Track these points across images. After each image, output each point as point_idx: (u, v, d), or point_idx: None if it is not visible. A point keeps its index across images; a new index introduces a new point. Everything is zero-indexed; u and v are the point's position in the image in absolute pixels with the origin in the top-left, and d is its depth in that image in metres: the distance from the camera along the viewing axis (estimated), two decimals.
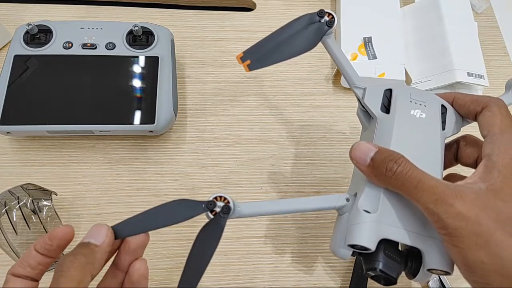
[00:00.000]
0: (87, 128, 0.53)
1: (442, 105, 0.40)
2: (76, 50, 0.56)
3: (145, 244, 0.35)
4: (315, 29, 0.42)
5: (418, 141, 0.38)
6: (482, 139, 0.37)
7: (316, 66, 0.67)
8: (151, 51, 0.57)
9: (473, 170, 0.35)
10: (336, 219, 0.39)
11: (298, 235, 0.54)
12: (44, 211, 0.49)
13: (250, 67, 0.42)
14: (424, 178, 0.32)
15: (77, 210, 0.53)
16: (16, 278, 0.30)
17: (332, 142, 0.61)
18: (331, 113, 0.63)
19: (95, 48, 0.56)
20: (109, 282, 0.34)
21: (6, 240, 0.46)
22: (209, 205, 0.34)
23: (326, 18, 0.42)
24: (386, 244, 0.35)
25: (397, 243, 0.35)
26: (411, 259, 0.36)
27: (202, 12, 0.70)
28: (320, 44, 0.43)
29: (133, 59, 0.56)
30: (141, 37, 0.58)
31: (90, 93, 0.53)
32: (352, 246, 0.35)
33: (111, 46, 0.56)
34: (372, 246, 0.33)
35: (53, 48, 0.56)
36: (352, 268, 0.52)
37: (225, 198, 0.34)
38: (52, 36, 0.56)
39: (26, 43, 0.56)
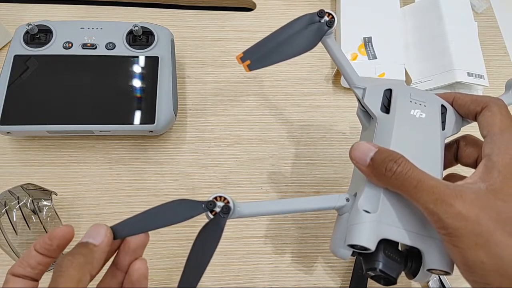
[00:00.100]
0: (87, 128, 0.53)
1: (442, 105, 0.40)
2: (76, 50, 0.56)
3: (145, 244, 0.35)
4: (315, 29, 0.42)
5: (418, 141, 0.38)
6: (482, 139, 0.37)
7: (316, 66, 0.67)
8: (151, 51, 0.57)
9: (473, 170, 0.35)
10: (336, 219, 0.39)
11: (298, 235, 0.54)
12: (44, 211, 0.49)
13: (250, 67, 0.42)
14: (424, 178, 0.32)
15: (77, 210, 0.53)
16: (16, 278, 0.30)
17: (332, 142, 0.61)
18: (331, 113, 0.63)
19: (95, 48, 0.56)
20: (109, 282, 0.34)
21: (6, 240, 0.46)
22: (209, 205, 0.34)
23: (326, 18, 0.42)
24: (386, 244, 0.35)
25: (397, 243, 0.35)
26: (411, 259, 0.36)
27: (202, 12, 0.70)
28: (320, 44, 0.44)
29: (133, 59, 0.56)
30: (141, 37, 0.58)
31: (90, 93, 0.53)
32: (352, 246, 0.35)
33: (111, 46, 0.56)
34: (372, 246, 0.33)
35: (53, 48, 0.56)
36: (352, 268, 0.52)
37: (225, 198, 0.34)
38: (52, 36, 0.56)
39: (26, 43, 0.56)
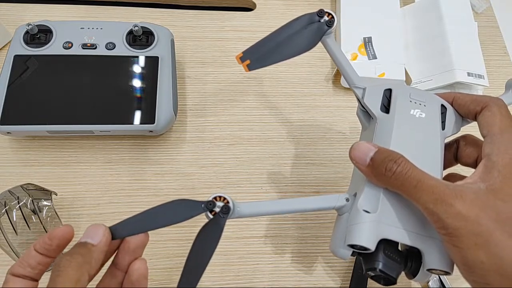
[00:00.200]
0: (87, 128, 0.53)
1: (442, 105, 0.40)
2: (76, 50, 0.56)
3: (144, 244, 0.35)
4: (315, 29, 0.42)
5: (418, 141, 0.38)
6: (482, 139, 0.37)
7: (316, 66, 0.67)
8: (151, 51, 0.57)
9: (473, 170, 0.35)
10: (336, 219, 0.39)
11: (298, 235, 0.54)
12: (44, 211, 0.49)
13: (250, 67, 0.42)
14: (423, 178, 0.32)
15: (77, 210, 0.53)
16: (16, 278, 0.30)
17: (332, 142, 0.61)
18: (331, 113, 0.63)
19: (95, 48, 0.56)
20: (108, 282, 0.34)
21: (6, 240, 0.46)
22: (209, 205, 0.34)
23: (326, 18, 0.42)
24: (385, 244, 0.35)
25: (397, 243, 0.35)
26: (410, 259, 0.36)
27: (202, 12, 0.70)
28: (320, 44, 0.44)
29: (133, 59, 0.56)
30: (141, 37, 0.58)
31: (90, 93, 0.53)
32: (352, 246, 0.35)
33: (111, 46, 0.56)
34: (371, 246, 0.33)
35: (53, 48, 0.56)
36: (352, 268, 0.52)
37: (224, 198, 0.34)
38: (52, 36, 0.56)
39: (26, 43, 0.56)
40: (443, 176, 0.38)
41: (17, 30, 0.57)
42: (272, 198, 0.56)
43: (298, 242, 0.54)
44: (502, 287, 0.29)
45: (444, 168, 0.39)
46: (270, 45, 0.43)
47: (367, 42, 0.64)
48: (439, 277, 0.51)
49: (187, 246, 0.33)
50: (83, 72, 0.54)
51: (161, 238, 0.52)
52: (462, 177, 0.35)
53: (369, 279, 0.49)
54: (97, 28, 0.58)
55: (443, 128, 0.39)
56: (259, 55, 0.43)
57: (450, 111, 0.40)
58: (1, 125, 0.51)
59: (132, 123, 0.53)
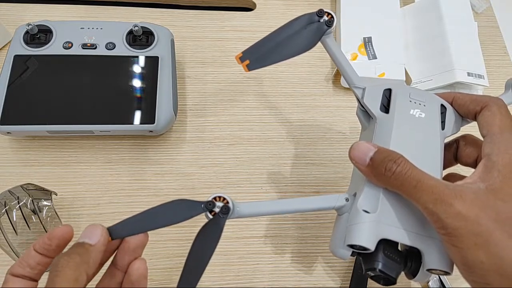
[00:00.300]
0: (87, 128, 0.53)
1: (442, 105, 0.40)
2: (76, 50, 0.56)
3: (144, 244, 0.35)
4: (314, 29, 0.42)
5: (418, 141, 0.38)
6: (481, 138, 0.37)
7: (316, 66, 0.67)
8: (151, 51, 0.57)
9: (472, 170, 0.35)
10: (336, 219, 0.39)
11: (298, 235, 0.54)
12: (44, 211, 0.49)
13: (249, 67, 0.42)
14: (423, 178, 0.32)
15: (77, 210, 0.53)
16: (16, 278, 0.30)
17: (332, 142, 0.61)
18: (331, 113, 0.63)
19: (95, 48, 0.56)
20: (108, 282, 0.34)
21: (6, 240, 0.46)
22: (208, 206, 0.34)
23: (325, 17, 0.42)
24: (385, 244, 0.35)
25: (397, 243, 0.35)
26: (410, 259, 0.36)
27: (202, 12, 0.70)
28: (319, 43, 0.44)
29: (133, 59, 0.56)
30: (141, 37, 0.58)
31: (90, 93, 0.53)
32: (352, 246, 0.35)
33: (111, 46, 0.56)
34: (371, 246, 0.33)
35: (53, 48, 0.56)
36: (352, 268, 0.52)
37: (224, 199, 0.34)
38: (52, 36, 0.56)
39: (26, 43, 0.56)
40: (443, 176, 0.38)
41: (17, 30, 0.57)
42: (272, 198, 0.56)
43: (298, 242, 0.54)
44: (502, 287, 0.29)
45: (444, 168, 0.39)
46: (270, 45, 0.43)
47: (367, 42, 0.64)
48: (439, 277, 0.51)
49: (187, 246, 0.33)
50: (83, 72, 0.54)
51: (161, 238, 0.52)
52: (462, 177, 0.35)
53: (369, 279, 0.49)
54: (97, 28, 0.58)
55: (443, 128, 0.39)
56: (258, 55, 0.43)
57: (449, 111, 0.40)
58: (1, 125, 0.51)
59: (132, 123, 0.53)
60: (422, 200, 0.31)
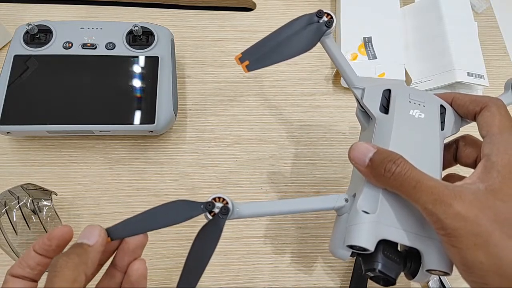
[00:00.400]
0: (87, 128, 0.53)
1: (441, 105, 0.40)
2: (76, 50, 0.56)
3: (144, 244, 0.35)
4: (314, 29, 0.42)
5: (417, 142, 0.38)
6: (481, 139, 0.37)
7: (316, 66, 0.67)
8: (151, 51, 0.57)
9: (472, 170, 0.35)
10: (335, 219, 0.39)
11: (298, 235, 0.54)
12: (44, 211, 0.49)
13: (249, 68, 0.42)
14: (422, 179, 0.32)
15: (77, 210, 0.54)
16: (15, 278, 0.30)
17: (332, 142, 0.61)
18: (331, 113, 0.63)
19: (95, 48, 0.56)
20: (107, 283, 0.34)
21: (6, 240, 0.46)
22: (208, 206, 0.34)
23: (325, 18, 0.42)
24: (385, 245, 0.35)
25: (396, 243, 0.35)
26: (410, 260, 0.36)
27: (202, 12, 0.70)
28: (319, 44, 0.43)
29: (133, 59, 0.56)
30: (141, 37, 0.58)
31: (90, 93, 0.53)
32: (351, 246, 0.35)
33: (111, 46, 0.56)
34: (370, 247, 0.33)
35: (53, 48, 0.56)
36: (352, 268, 0.52)
37: (223, 199, 0.34)
38: (52, 36, 0.56)
39: (26, 43, 0.56)
40: (443, 176, 0.38)
41: (17, 30, 0.57)
42: (272, 198, 0.57)
43: (298, 242, 0.54)
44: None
45: (444, 168, 0.39)
46: (269, 45, 0.43)
47: (367, 42, 0.64)
48: (439, 277, 0.51)
49: (187, 246, 0.33)
50: (83, 72, 0.54)
51: (161, 238, 0.52)
52: (461, 178, 0.35)
53: (369, 279, 0.49)
54: (97, 28, 0.58)
55: (442, 129, 0.39)
56: (258, 56, 0.42)
57: (449, 111, 0.40)
58: (1, 125, 0.51)
59: (132, 123, 0.53)
60: (422, 200, 0.31)
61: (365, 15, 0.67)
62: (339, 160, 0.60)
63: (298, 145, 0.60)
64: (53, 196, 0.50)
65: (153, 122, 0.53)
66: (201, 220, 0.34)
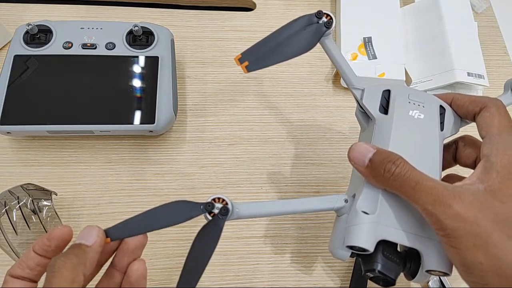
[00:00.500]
0: (87, 128, 0.53)
1: (441, 106, 0.40)
2: (76, 50, 0.56)
3: (143, 244, 0.35)
4: (314, 30, 0.42)
5: (417, 142, 0.38)
6: (480, 139, 0.37)
7: (316, 66, 0.67)
8: (151, 51, 0.57)
9: (471, 170, 0.35)
10: (335, 220, 0.39)
11: (298, 235, 0.54)
12: (44, 211, 0.49)
13: (249, 68, 0.42)
14: (422, 179, 0.32)
15: (77, 210, 0.54)
16: (15, 279, 0.30)
17: (332, 142, 0.61)
18: (331, 113, 0.63)
19: (95, 48, 0.56)
20: (107, 283, 0.34)
21: (6, 240, 0.46)
22: (207, 207, 0.34)
23: (324, 19, 0.42)
24: (384, 245, 0.35)
25: (396, 244, 0.35)
26: (409, 260, 0.36)
27: (202, 12, 0.70)
28: (319, 44, 0.44)
29: (133, 59, 0.56)
30: (141, 37, 0.58)
31: (90, 93, 0.53)
32: (351, 247, 0.35)
33: (111, 46, 0.56)
34: (370, 247, 0.33)
35: (53, 48, 0.56)
36: (352, 268, 0.52)
37: (223, 200, 0.34)
38: (52, 36, 0.56)
39: (26, 43, 0.56)
40: (442, 177, 0.38)
41: (17, 30, 0.57)
42: (272, 198, 0.57)
43: (298, 242, 0.54)
44: None
45: (443, 169, 0.39)
46: (269, 46, 0.43)
47: (367, 42, 0.64)
48: (439, 277, 0.51)
49: (187, 246, 0.33)
50: (83, 72, 0.54)
51: (161, 238, 0.52)
52: (461, 178, 0.35)
53: (369, 279, 0.49)
54: (97, 28, 0.58)
55: (442, 129, 0.39)
56: (257, 56, 0.42)
57: (449, 112, 0.40)
58: (1, 125, 0.51)
59: (132, 123, 0.53)
60: (421, 201, 0.31)
61: (365, 15, 0.67)
62: (339, 160, 0.60)
63: (298, 145, 0.60)
64: (53, 196, 0.50)
65: (153, 122, 0.53)
66: (201, 220, 0.34)
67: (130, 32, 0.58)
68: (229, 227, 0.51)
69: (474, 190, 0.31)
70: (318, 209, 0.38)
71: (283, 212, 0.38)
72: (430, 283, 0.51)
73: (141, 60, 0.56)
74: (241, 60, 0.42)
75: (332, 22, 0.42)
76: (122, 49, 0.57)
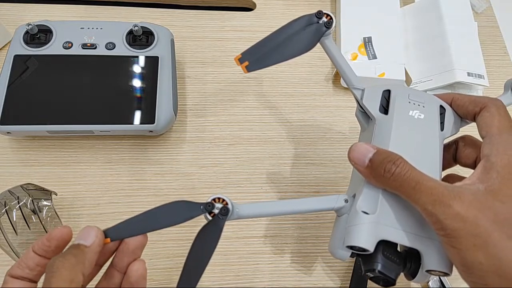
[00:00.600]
0: (87, 128, 0.53)
1: (441, 106, 0.40)
2: (76, 50, 0.56)
3: (143, 245, 0.35)
4: (314, 30, 0.42)
5: (417, 142, 0.38)
6: (481, 139, 0.37)
7: (316, 66, 0.67)
8: (151, 51, 0.57)
9: (471, 170, 0.35)
10: (335, 220, 0.39)
11: (298, 235, 0.54)
12: (44, 211, 0.49)
13: (249, 68, 0.42)
14: (422, 179, 0.32)
15: (77, 210, 0.54)
16: (15, 279, 0.30)
17: (332, 142, 0.61)
18: (331, 113, 0.63)
19: (95, 48, 0.56)
20: (107, 283, 0.34)
21: (6, 240, 0.46)
22: (207, 207, 0.34)
23: (324, 19, 0.42)
24: (384, 245, 0.35)
25: (396, 244, 0.35)
26: (409, 260, 0.36)
27: (202, 12, 0.70)
28: (319, 44, 0.44)
29: (133, 59, 0.56)
30: (141, 37, 0.58)
31: (90, 93, 0.53)
32: (351, 247, 0.35)
33: (111, 46, 0.56)
34: (370, 247, 0.33)
35: (53, 48, 0.56)
36: (352, 268, 0.52)
37: (223, 200, 0.34)
38: (52, 36, 0.56)
39: (26, 43, 0.56)
40: (442, 177, 0.38)
41: (17, 30, 0.57)
42: (272, 198, 0.57)
43: (298, 242, 0.54)
44: None
45: (443, 169, 0.39)
46: (269, 46, 0.42)
47: (367, 42, 0.64)
48: (439, 277, 0.51)
49: (187, 246, 0.33)
50: (83, 72, 0.54)
51: (161, 238, 0.52)
52: (461, 178, 0.35)
53: (369, 279, 0.49)
54: (97, 28, 0.58)
55: (442, 129, 0.39)
56: (257, 57, 0.42)
57: (449, 112, 0.40)
58: (1, 125, 0.51)
59: (132, 123, 0.53)
60: (421, 201, 0.31)
61: (365, 15, 0.67)
62: (339, 160, 0.60)
63: (298, 145, 0.60)
64: (53, 196, 0.50)
65: (153, 122, 0.53)
66: (201, 220, 0.34)
67: (130, 32, 0.58)
68: (229, 227, 0.51)
69: (474, 190, 0.31)
70: (318, 209, 0.38)
71: (283, 212, 0.38)
72: (430, 283, 0.51)
73: (141, 60, 0.56)
74: (241, 60, 0.42)
75: (332, 22, 0.42)
76: (122, 49, 0.57)
